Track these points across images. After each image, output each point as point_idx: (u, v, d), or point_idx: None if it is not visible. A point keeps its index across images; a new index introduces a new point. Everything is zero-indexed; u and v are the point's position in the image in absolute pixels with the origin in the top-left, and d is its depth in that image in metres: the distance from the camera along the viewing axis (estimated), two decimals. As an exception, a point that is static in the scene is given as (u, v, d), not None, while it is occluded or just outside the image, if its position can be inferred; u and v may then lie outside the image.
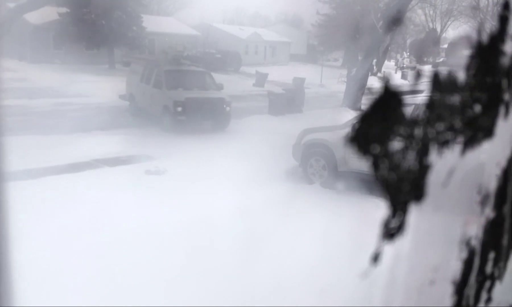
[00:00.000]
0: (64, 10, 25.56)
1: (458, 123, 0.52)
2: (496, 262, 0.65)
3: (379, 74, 30.74)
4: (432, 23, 46.57)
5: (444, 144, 0.52)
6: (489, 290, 0.66)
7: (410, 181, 0.50)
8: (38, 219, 5.57)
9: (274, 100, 15.32)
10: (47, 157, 8.51)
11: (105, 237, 5.09)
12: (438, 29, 46.58)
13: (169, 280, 4.11)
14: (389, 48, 34.73)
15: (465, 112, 0.52)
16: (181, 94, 12.25)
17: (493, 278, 0.66)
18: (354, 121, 0.49)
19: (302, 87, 17.64)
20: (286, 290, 3.94)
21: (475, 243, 0.62)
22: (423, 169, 0.51)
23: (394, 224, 0.50)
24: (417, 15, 42.38)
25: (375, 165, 0.47)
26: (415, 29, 45.47)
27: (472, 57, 0.53)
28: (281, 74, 26.93)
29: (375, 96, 0.45)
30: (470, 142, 0.54)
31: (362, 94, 15.69)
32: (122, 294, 3.97)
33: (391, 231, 0.50)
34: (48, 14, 24.07)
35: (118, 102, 15.20)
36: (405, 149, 0.49)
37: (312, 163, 8.11)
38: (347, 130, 0.56)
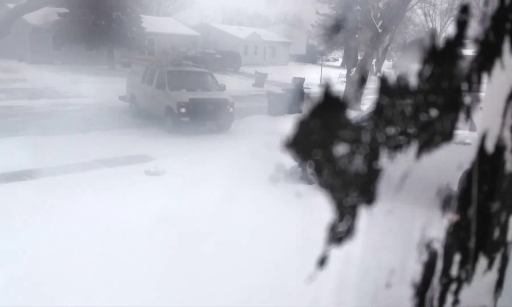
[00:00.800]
0: (63, 10, 25.58)
1: (410, 128, 0.52)
2: (462, 264, 0.65)
3: (378, 74, 30.68)
4: (432, 23, 46.51)
5: (396, 148, 0.52)
6: (456, 293, 0.66)
7: (358, 185, 0.50)
8: (37, 220, 5.58)
9: (274, 101, 15.33)
10: (46, 158, 8.52)
11: (103, 237, 5.10)
12: (438, 29, 46.48)
13: (166, 279, 4.11)
14: (389, 48, 34.68)
15: (417, 116, 0.52)
16: (185, 95, 12.22)
17: (459, 281, 0.66)
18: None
19: (301, 87, 17.64)
20: (279, 289, 3.94)
21: (437, 245, 0.62)
22: (373, 173, 0.51)
23: (341, 228, 0.50)
24: (417, 15, 42.34)
25: (317, 170, 0.48)
26: (415, 28, 45.42)
27: (426, 62, 0.54)
28: (281, 74, 26.93)
29: (314, 101, 0.45)
30: (426, 146, 0.54)
31: (362, 94, 15.67)
32: (120, 293, 3.98)
33: (338, 235, 0.50)
34: (48, 14, 24.09)
35: (118, 102, 15.20)
36: (351, 153, 0.49)
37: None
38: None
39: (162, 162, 8.40)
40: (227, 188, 6.42)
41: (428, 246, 0.60)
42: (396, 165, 0.51)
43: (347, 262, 0.53)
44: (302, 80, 19.07)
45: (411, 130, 0.52)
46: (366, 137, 0.49)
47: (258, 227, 5.26)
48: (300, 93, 16.69)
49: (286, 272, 4.19)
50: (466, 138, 4.80)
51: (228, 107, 12.48)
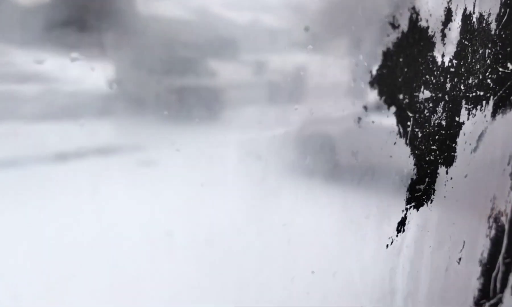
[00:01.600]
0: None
1: (489, 79, 0.48)
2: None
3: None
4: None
5: (475, 101, 0.48)
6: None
7: (439, 140, 0.46)
8: (22, 212, 5.50)
9: (274, 89, 15.27)
10: (33, 146, 8.42)
11: (91, 231, 5.04)
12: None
13: (159, 280, 4.05)
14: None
15: (495, 67, 0.48)
16: (175, 81, 12.16)
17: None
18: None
19: (303, 74, 17.58)
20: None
21: (504, 220, 0.58)
22: (454, 128, 0.47)
23: (421, 188, 0.46)
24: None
25: (401, 119, 0.43)
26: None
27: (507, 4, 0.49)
28: (282, 61, 26.82)
29: (401, 32, 0.41)
30: (503, 103, 0.50)
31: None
32: (108, 292, 3.92)
33: (416, 196, 0.46)
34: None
35: (108, 89, 15.07)
36: (434, 100, 0.45)
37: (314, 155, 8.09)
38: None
39: (153, 152, 8.33)
40: (228, 180, 6.36)
41: (496, 220, 0.57)
42: (472, 124, 0.47)
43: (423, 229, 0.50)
44: (304, 67, 18.98)
45: (489, 82, 0.48)
46: (448, 83, 0.45)
47: (260, 222, 5.23)
48: (301, 81, 16.59)
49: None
50: None
51: (220, 94, 12.45)
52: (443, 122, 0.46)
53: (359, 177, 0.48)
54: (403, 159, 0.44)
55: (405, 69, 0.41)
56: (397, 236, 0.47)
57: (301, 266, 0.53)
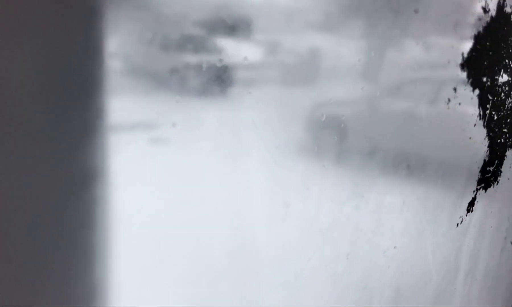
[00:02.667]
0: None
1: None
2: None
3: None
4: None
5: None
6: None
7: (510, 123, 0.49)
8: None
9: (287, 70, 15.16)
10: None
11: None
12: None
13: (171, 272, 4.08)
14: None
15: None
16: (190, 58, 12.12)
17: None
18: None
19: (318, 55, 17.45)
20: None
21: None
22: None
23: (490, 169, 0.48)
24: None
25: (482, 101, 0.46)
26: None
27: None
28: (296, 42, 26.55)
29: (489, 17, 0.43)
30: None
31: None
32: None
33: (486, 177, 0.49)
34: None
35: (119, 64, 15.03)
36: (510, 85, 0.47)
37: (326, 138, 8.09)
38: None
39: (167, 130, 8.31)
40: (232, 159, 6.35)
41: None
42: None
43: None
44: (318, 48, 18.83)
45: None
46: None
47: (276, 205, 5.22)
48: (316, 62, 16.46)
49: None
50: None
51: (231, 71, 12.42)
52: (515, 106, 0.49)
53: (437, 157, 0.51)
54: (480, 141, 0.47)
55: (490, 53, 0.43)
56: (466, 215, 0.50)
57: (387, 241, 0.57)
